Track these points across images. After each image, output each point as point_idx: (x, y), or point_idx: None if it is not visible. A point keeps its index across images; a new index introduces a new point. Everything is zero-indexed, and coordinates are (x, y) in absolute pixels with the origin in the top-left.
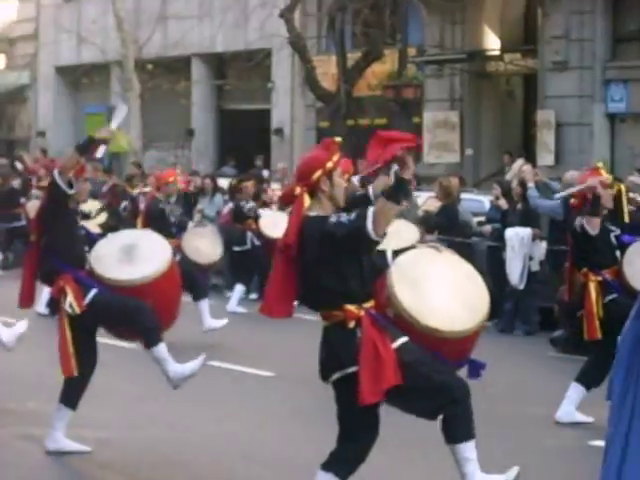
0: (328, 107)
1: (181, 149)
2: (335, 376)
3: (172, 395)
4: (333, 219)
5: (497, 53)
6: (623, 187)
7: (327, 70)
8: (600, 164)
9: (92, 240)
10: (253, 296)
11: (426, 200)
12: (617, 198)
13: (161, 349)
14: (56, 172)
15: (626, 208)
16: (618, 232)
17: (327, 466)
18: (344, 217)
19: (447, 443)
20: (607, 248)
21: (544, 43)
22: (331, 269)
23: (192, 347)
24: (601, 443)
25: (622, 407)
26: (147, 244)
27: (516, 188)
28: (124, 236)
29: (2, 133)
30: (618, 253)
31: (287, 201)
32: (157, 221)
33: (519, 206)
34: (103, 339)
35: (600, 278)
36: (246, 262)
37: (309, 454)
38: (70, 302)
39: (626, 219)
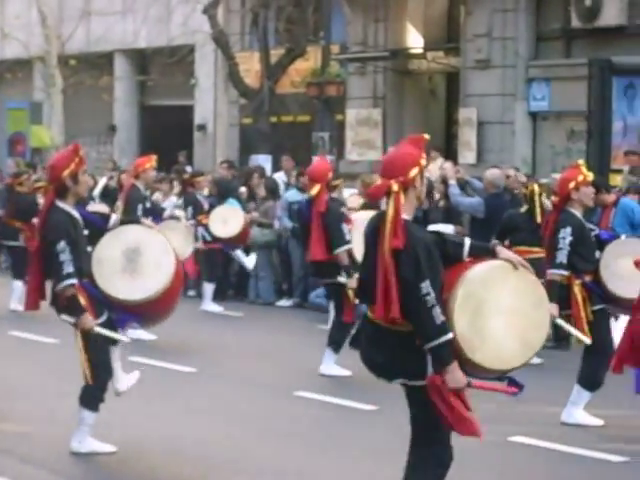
0: (251, 104)
1: (103, 145)
2: (399, 381)
3: (156, 391)
4: (424, 289)
5: (420, 51)
6: (536, 187)
7: (250, 67)
8: (580, 161)
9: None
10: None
11: (349, 197)
12: (530, 198)
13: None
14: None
15: (539, 208)
16: (597, 231)
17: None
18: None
19: None
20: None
21: (466, 41)
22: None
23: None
24: (522, 439)
25: None
26: (151, 249)
27: (438, 185)
28: (129, 234)
29: None
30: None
31: (379, 197)
32: (137, 210)
33: (441, 203)
34: (24, 334)
35: (581, 281)
36: (206, 258)
37: (228, 452)
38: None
39: (539, 219)
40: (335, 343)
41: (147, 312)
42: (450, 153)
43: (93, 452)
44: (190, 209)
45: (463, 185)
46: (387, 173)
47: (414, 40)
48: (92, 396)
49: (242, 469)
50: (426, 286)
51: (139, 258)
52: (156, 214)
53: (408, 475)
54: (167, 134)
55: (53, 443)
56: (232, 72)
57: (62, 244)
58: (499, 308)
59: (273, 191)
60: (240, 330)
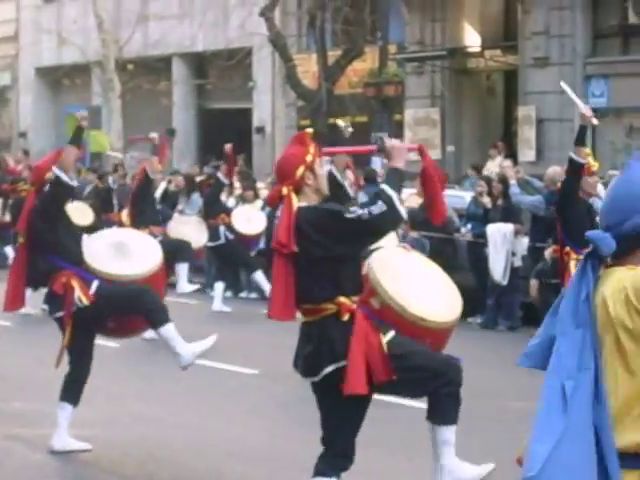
0: (309, 105)
1: None
2: (328, 369)
3: (155, 393)
4: (351, 215)
5: (477, 50)
6: None
7: (308, 68)
8: (587, 150)
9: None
10: (242, 294)
11: (408, 197)
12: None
13: (169, 328)
14: (57, 169)
15: None
16: None
17: (324, 472)
18: (363, 211)
19: (432, 423)
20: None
21: (524, 39)
22: (330, 261)
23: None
24: None
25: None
26: (136, 242)
27: (497, 185)
28: (110, 234)
29: None
30: None
31: (275, 203)
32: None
33: (500, 202)
34: None
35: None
36: (222, 258)
37: (292, 451)
38: (78, 295)
39: None
40: None
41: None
42: (510, 151)
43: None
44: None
45: (523, 185)
46: (279, 179)
47: (471, 39)
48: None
49: (308, 468)
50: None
51: (126, 248)
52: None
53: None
54: (225, 137)
55: (117, 447)
56: (290, 74)
57: None
58: (413, 276)
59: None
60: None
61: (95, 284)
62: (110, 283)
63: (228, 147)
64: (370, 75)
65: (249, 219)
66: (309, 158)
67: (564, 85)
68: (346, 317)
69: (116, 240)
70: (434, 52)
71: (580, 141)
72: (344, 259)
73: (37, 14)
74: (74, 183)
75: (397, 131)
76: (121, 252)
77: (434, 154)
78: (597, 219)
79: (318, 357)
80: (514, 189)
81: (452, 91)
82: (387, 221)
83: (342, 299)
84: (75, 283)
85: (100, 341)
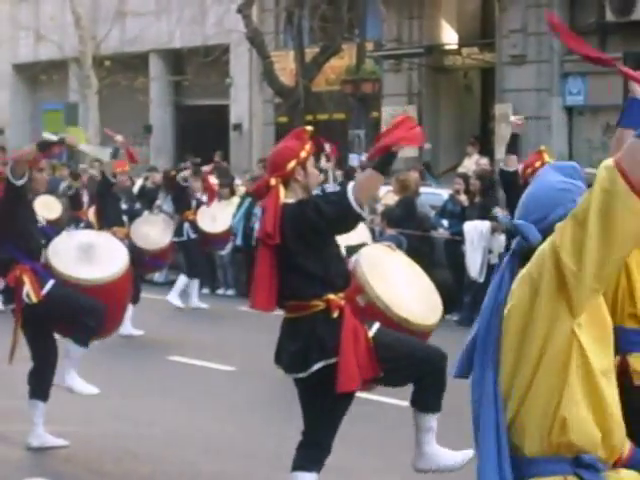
0: (286, 102)
1: (139, 145)
2: (317, 366)
3: (133, 390)
4: (315, 199)
5: (455, 47)
6: None
7: (285, 65)
8: (543, 147)
9: (47, 235)
10: (219, 291)
11: (385, 194)
12: None
13: (79, 352)
14: (8, 165)
15: None
16: None
17: (305, 466)
18: (324, 196)
19: (417, 410)
20: None
21: (501, 37)
22: (315, 256)
23: (153, 342)
24: None
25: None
26: (104, 245)
27: (474, 182)
28: (81, 235)
29: None
30: None
31: (261, 193)
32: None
33: (477, 199)
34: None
35: None
36: (187, 254)
37: (270, 447)
38: (27, 291)
39: None
40: None
41: (105, 296)
42: (486, 149)
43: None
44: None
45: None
46: (269, 169)
47: (449, 36)
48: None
49: (285, 465)
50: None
51: (93, 250)
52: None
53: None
54: (203, 134)
55: (95, 443)
56: (267, 71)
57: None
58: (399, 277)
59: None
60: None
61: (50, 284)
62: (68, 286)
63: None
64: (347, 72)
65: (214, 218)
66: (303, 154)
67: None
68: (335, 314)
69: (85, 242)
70: (411, 49)
71: (511, 149)
72: (329, 252)
73: (14, 10)
74: (19, 182)
75: (374, 128)
76: (87, 255)
77: (411, 152)
78: None
79: (307, 353)
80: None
81: (429, 88)
82: (335, 204)
83: (331, 296)
84: (26, 278)
85: None
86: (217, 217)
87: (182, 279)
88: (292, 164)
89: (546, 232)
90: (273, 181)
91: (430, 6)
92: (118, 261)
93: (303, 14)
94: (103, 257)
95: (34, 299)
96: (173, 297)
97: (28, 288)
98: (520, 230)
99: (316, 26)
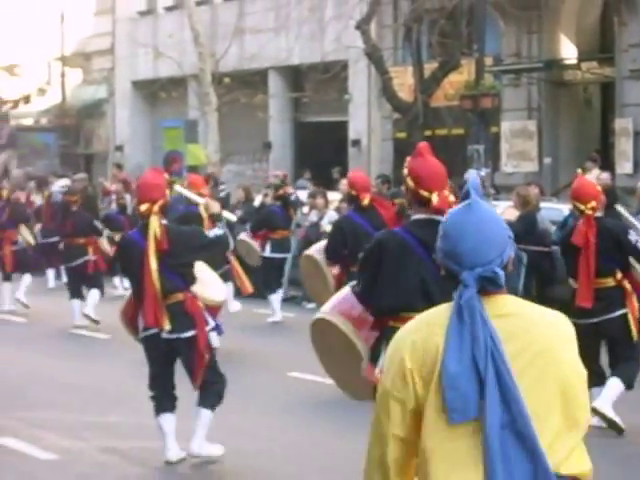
0: (405, 118)
1: (258, 162)
2: None
3: (251, 407)
4: None
5: (574, 62)
6: None
7: (404, 81)
8: None
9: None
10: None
11: (505, 209)
12: None
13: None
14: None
15: None
16: None
17: None
18: None
19: None
20: None
21: (621, 51)
22: None
23: (273, 358)
24: None
25: None
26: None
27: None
28: None
29: (80, 148)
30: None
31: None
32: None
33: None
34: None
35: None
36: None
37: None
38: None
39: None
40: None
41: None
42: (607, 163)
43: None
44: None
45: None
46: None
47: (568, 51)
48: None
49: None
50: None
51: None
52: None
53: None
54: (321, 150)
55: (216, 460)
56: (386, 87)
57: None
58: None
59: None
60: None
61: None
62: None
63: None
64: (466, 87)
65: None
66: None
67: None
68: None
69: None
70: (530, 64)
71: None
72: None
73: (133, 27)
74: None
75: (493, 143)
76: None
77: (531, 166)
78: None
79: None
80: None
81: (549, 103)
82: None
83: None
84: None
85: None
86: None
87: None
88: None
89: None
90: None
91: (549, 21)
92: (218, 281)
93: (422, 29)
94: (208, 279)
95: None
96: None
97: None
98: (501, 281)
99: (435, 41)
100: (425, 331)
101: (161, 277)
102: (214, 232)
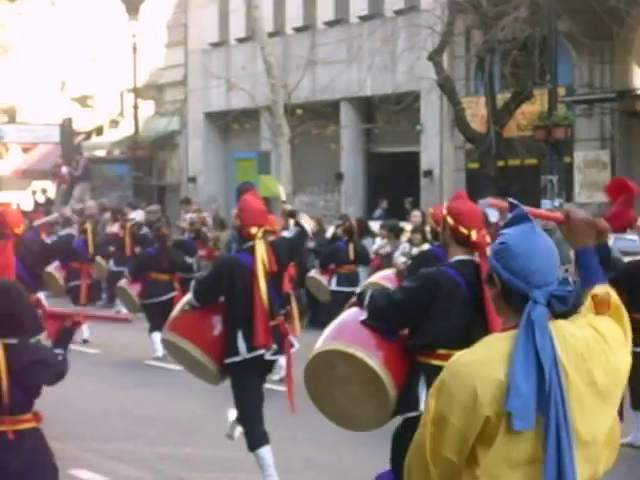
0: (478, 148)
1: (331, 193)
2: None
3: (325, 438)
4: None
5: None
6: None
7: (476, 111)
8: None
9: None
10: None
11: None
12: None
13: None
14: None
15: None
16: None
17: None
18: None
19: None
20: None
21: None
22: None
23: None
24: None
25: None
26: None
27: None
28: None
29: (153, 179)
30: None
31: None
32: None
33: None
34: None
35: None
36: None
37: None
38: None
39: None
40: None
41: None
42: None
43: None
44: None
45: None
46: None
47: None
48: None
49: None
50: None
51: None
52: None
53: None
54: (393, 181)
55: None
56: (458, 117)
57: None
58: None
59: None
60: None
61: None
62: None
63: None
64: (539, 118)
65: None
66: None
67: None
68: None
69: None
70: (603, 94)
71: None
72: None
73: (205, 59)
74: None
75: (566, 174)
76: None
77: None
78: None
79: None
80: None
81: (622, 133)
82: None
83: None
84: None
85: (269, 385)
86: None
87: None
88: None
89: None
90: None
91: (621, 51)
92: None
93: (494, 60)
94: None
95: None
96: None
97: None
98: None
99: (507, 72)
100: (494, 365)
101: (269, 299)
102: (285, 234)
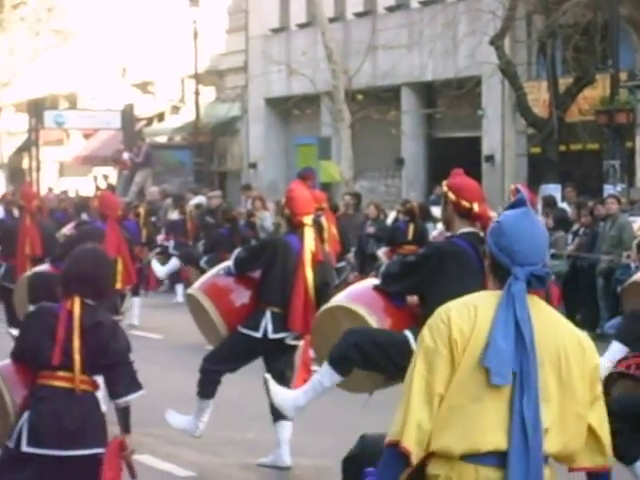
0: (540, 133)
1: (392, 178)
2: None
3: (347, 428)
4: None
5: None
6: None
7: (538, 96)
8: None
9: None
10: None
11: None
12: None
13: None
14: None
15: None
16: None
17: None
18: None
19: None
20: None
21: None
22: None
23: None
24: None
25: None
26: None
27: None
28: None
29: (214, 165)
30: None
31: None
32: None
33: None
34: None
35: None
36: None
37: None
38: None
39: None
40: None
41: None
42: None
43: None
44: None
45: None
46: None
47: None
48: None
49: None
50: None
51: None
52: None
53: None
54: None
55: None
56: (520, 102)
57: None
58: None
59: (562, 221)
60: None
61: None
62: None
63: None
64: (601, 103)
65: None
66: None
67: None
68: None
69: None
70: None
71: None
72: None
73: (266, 45)
74: None
75: (629, 159)
76: None
77: None
78: None
79: None
80: None
81: None
82: None
83: None
84: None
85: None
86: None
87: None
88: None
89: None
90: None
91: None
92: None
93: (556, 45)
94: None
95: None
96: None
97: None
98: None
99: (569, 57)
100: (472, 310)
101: (315, 286)
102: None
